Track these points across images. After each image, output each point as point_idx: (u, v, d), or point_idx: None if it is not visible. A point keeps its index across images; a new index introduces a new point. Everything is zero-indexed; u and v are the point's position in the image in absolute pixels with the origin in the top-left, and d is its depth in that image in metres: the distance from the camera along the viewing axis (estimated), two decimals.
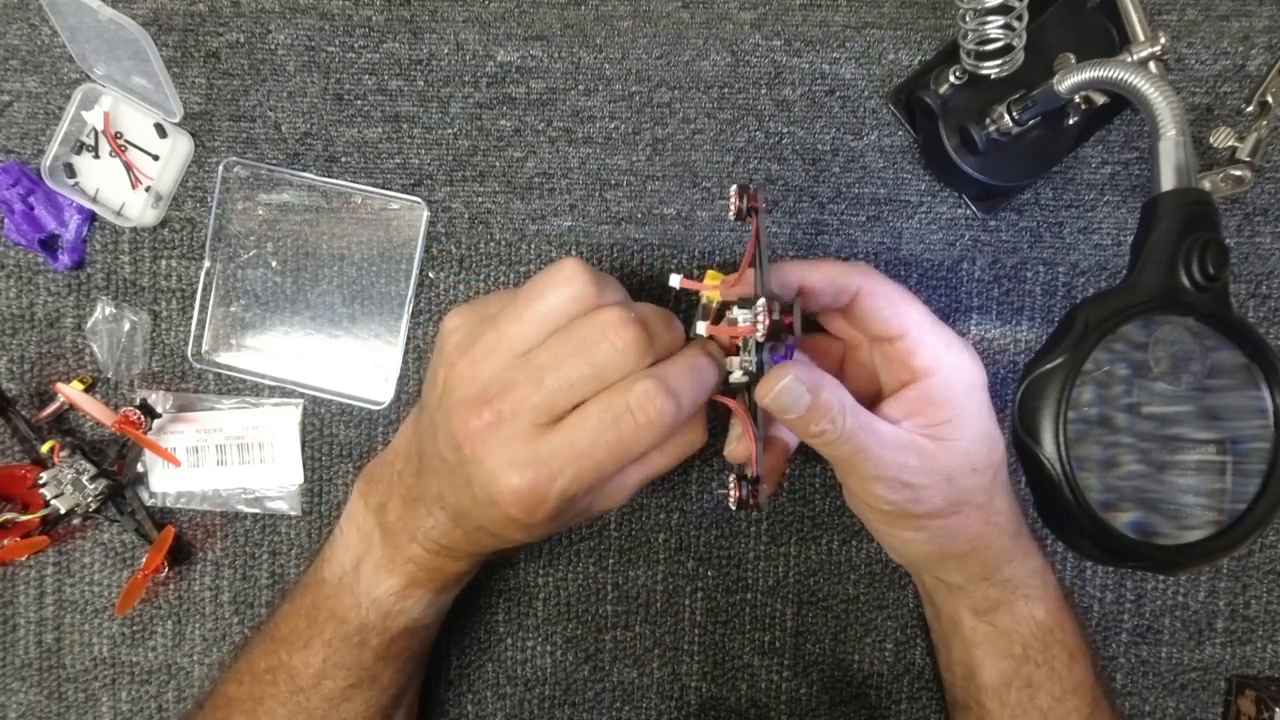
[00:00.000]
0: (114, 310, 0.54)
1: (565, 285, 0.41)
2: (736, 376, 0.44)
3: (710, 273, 0.45)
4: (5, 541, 0.52)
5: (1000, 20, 0.44)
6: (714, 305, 0.44)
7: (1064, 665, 0.46)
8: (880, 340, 0.46)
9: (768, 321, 0.40)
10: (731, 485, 0.42)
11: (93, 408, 0.52)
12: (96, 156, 0.54)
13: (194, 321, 0.54)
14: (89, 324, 0.54)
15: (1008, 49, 0.45)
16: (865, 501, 0.44)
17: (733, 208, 0.42)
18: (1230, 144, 0.52)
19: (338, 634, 0.47)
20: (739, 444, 0.47)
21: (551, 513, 0.40)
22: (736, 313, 0.42)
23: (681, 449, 0.45)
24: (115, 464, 0.53)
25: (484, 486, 0.40)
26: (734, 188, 0.42)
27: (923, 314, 0.45)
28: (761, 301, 0.40)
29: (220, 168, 0.54)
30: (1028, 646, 0.47)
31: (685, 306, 0.53)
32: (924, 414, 0.44)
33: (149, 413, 0.53)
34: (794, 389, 0.40)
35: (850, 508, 0.48)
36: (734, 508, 0.42)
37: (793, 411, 0.40)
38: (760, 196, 0.43)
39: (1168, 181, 0.35)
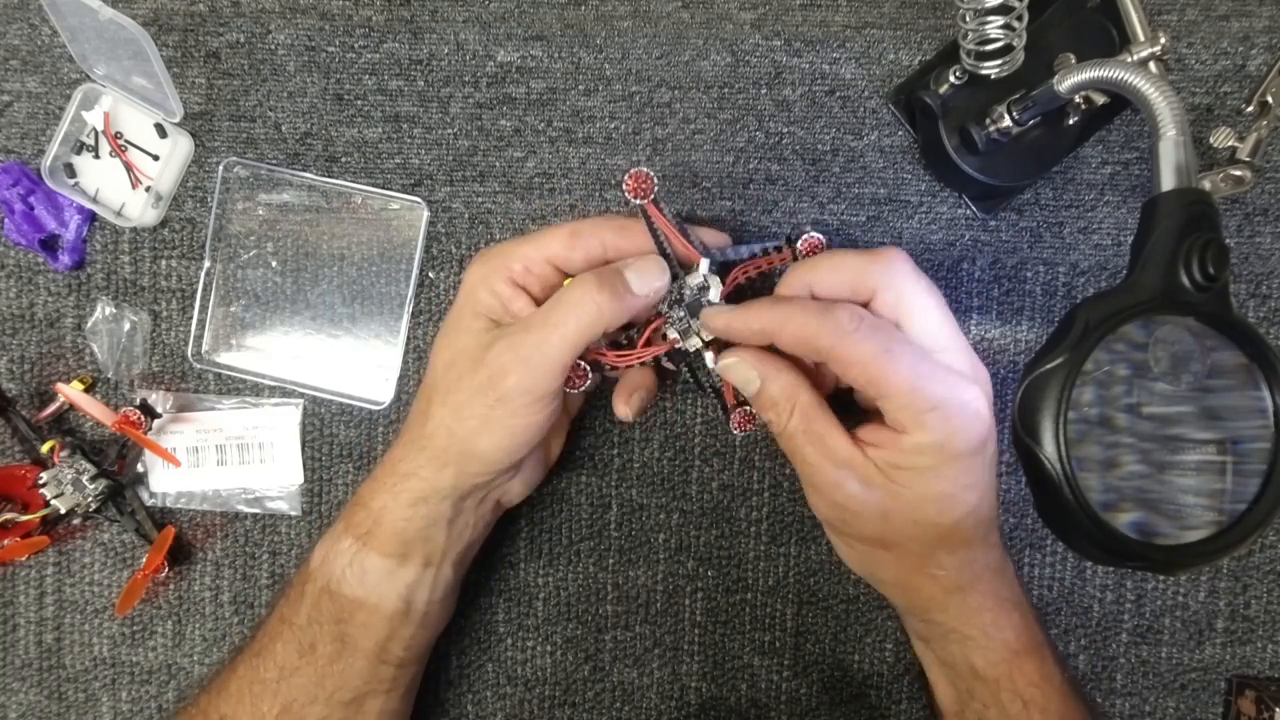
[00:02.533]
0: (114, 310, 0.54)
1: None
2: (694, 343, 0.46)
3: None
4: (5, 541, 0.52)
5: (1000, 20, 0.44)
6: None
7: (1019, 713, 0.44)
8: (870, 398, 0.42)
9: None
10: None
11: (93, 408, 0.52)
12: (96, 156, 0.54)
13: (194, 321, 0.54)
14: (89, 324, 0.54)
15: (1008, 49, 0.45)
16: (809, 503, 0.45)
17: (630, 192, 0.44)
18: (1230, 144, 0.52)
19: (293, 580, 0.48)
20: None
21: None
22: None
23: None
24: (115, 464, 0.53)
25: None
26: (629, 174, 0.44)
27: (909, 369, 0.40)
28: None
29: (220, 168, 0.54)
30: (972, 690, 0.45)
31: None
32: (889, 453, 0.41)
33: (149, 413, 0.53)
34: (740, 370, 0.44)
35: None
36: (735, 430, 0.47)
37: (745, 390, 0.44)
38: (650, 182, 0.44)
39: (1168, 181, 0.35)
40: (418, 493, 0.45)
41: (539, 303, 0.45)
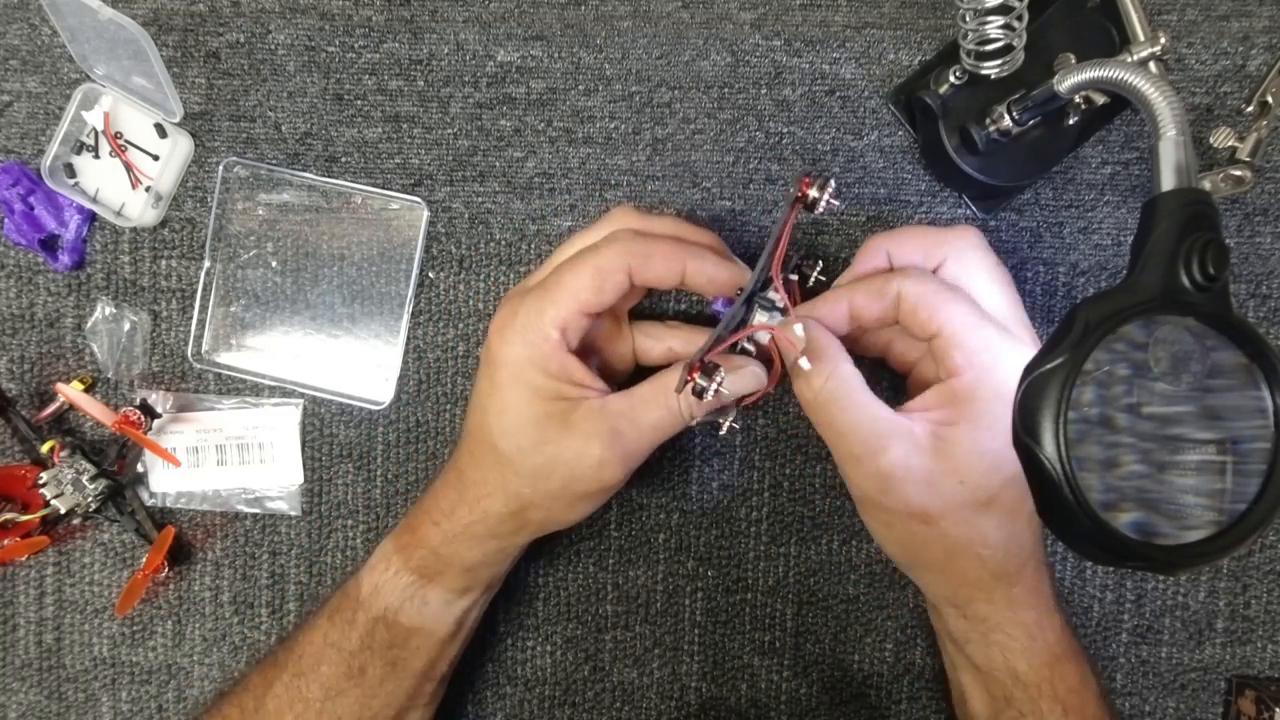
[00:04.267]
0: (114, 310, 0.54)
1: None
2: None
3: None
4: (6, 541, 0.52)
5: (1000, 20, 0.44)
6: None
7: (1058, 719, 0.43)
8: (923, 339, 0.44)
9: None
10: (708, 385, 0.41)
11: (92, 408, 0.52)
12: (96, 156, 0.54)
13: (194, 321, 0.54)
14: (89, 324, 0.54)
15: (1008, 49, 0.45)
16: (846, 482, 0.45)
17: (809, 197, 0.44)
18: (1230, 144, 0.52)
19: (339, 607, 0.48)
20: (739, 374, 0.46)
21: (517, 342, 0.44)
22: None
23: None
24: (115, 464, 0.53)
25: (485, 347, 0.45)
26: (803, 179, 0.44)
27: (967, 313, 0.42)
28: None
29: (220, 168, 0.54)
30: (1009, 695, 0.44)
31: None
32: (939, 409, 0.42)
33: (149, 413, 0.53)
34: (795, 329, 0.43)
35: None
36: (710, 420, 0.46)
37: (791, 346, 0.44)
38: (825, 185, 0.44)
39: (1168, 181, 0.35)
40: (491, 530, 0.46)
41: (582, 350, 0.46)
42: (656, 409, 0.45)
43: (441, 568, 0.47)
